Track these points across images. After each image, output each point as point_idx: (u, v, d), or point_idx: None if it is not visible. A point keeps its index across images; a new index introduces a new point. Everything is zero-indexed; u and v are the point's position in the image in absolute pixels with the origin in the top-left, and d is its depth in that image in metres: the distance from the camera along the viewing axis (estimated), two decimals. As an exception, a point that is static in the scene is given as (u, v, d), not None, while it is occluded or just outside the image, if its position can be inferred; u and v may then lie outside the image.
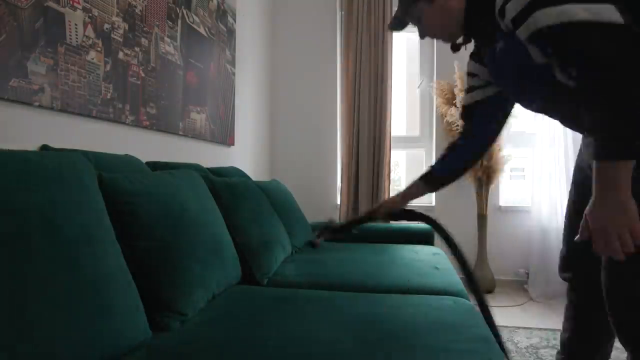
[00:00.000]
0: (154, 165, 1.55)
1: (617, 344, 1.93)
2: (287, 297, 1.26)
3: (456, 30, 1.12)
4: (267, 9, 3.20)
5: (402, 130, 6.56)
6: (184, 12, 1.93)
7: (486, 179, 2.78)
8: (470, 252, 2.93)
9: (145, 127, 1.66)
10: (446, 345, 0.89)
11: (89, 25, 1.32)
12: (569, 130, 2.67)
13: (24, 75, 1.10)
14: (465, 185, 2.88)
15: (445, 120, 2.93)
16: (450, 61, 2.81)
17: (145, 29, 1.63)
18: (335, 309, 1.13)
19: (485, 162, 2.72)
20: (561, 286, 2.55)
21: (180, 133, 1.92)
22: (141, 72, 1.61)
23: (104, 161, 1.19)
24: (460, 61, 2.73)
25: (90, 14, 1.33)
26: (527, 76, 0.99)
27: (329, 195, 3.24)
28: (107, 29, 1.41)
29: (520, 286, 2.94)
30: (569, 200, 1.26)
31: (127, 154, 1.43)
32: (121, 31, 1.48)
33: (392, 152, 3.06)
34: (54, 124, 1.23)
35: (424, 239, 2.29)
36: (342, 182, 3.08)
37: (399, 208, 1.32)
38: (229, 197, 1.59)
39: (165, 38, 1.77)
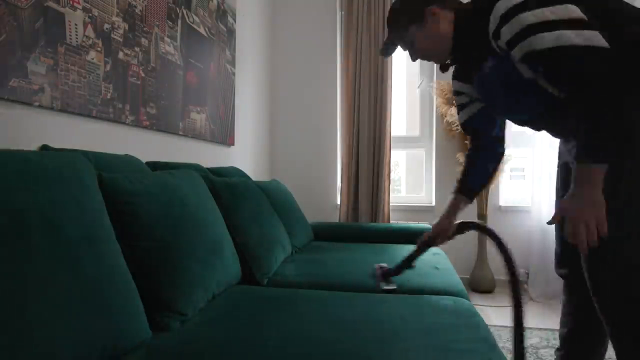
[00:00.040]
0: (154, 165, 1.55)
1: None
2: (287, 297, 1.26)
3: (447, 52, 1.18)
4: (267, 9, 3.20)
5: (402, 130, 6.57)
6: (184, 12, 1.93)
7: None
8: (470, 252, 2.93)
9: (145, 127, 1.66)
10: (446, 345, 0.89)
11: (89, 25, 1.32)
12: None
13: (24, 75, 1.10)
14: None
15: (445, 120, 2.93)
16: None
17: (145, 29, 1.63)
18: (335, 309, 1.13)
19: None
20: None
21: (180, 133, 1.92)
22: (141, 72, 1.61)
23: (104, 161, 1.19)
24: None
25: (90, 14, 1.33)
26: (515, 89, 1.07)
27: (329, 195, 3.24)
28: (107, 29, 1.41)
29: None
30: (556, 201, 1.29)
31: (127, 154, 1.43)
32: (121, 31, 1.48)
33: (392, 152, 3.06)
34: (54, 124, 1.23)
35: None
36: (342, 182, 3.08)
37: (454, 227, 1.35)
38: (229, 197, 1.59)
39: (165, 38, 1.77)
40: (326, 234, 2.43)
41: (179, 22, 1.88)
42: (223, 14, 2.35)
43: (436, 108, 3.02)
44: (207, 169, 1.84)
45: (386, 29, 2.94)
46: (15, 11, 1.06)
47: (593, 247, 0.91)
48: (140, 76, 1.61)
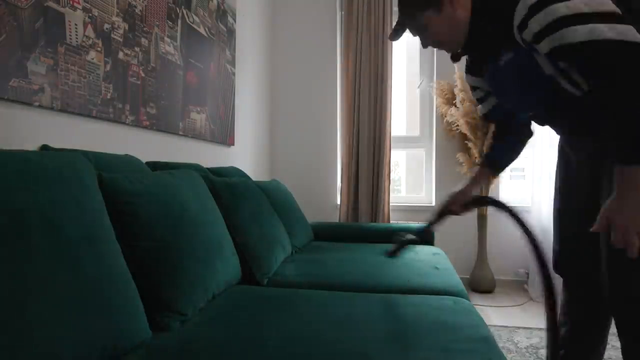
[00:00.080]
0: (154, 165, 1.55)
1: (616, 343, 1.93)
2: (287, 297, 1.26)
3: (461, 40, 1.13)
4: (267, 9, 3.20)
5: (402, 130, 6.57)
6: (184, 12, 1.93)
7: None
8: (470, 252, 2.93)
9: (145, 127, 1.66)
10: (446, 345, 0.89)
11: (89, 25, 1.32)
12: (568, 130, 2.68)
13: (24, 75, 1.10)
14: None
15: (445, 120, 2.93)
16: (450, 61, 2.81)
17: (145, 29, 1.63)
18: (335, 309, 1.13)
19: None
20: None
21: (180, 133, 1.92)
22: (141, 72, 1.61)
23: (104, 161, 1.19)
24: (460, 62, 2.72)
25: (90, 14, 1.33)
26: (532, 86, 1.04)
27: (329, 195, 3.24)
28: (107, 29, 1.41)
29: (520, 286, 2.94)
30: (555, 200, 1.28)
31: (127, 154, 1.43)
32: (121, 31, 1.48)
33: (392, 152, 3.06)
34: (54, 124, 1.23)
35: (425, 240, 2.29)
36: (342, 182, 3.08)
37: (471, 197, 1.33)
38: (229, 197, 1.59)
39: (165, 38, 1.77)
40: (326, 234, 2.43)
41: (179, 22, 1.88)
42: (223, 14, 2.35)
43: (436, 108, 3.02)
44: (207, 169, 1.84)
45: (386, 29, 2.96)
46: (15, 11, 1.06)
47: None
48: (140, 76, 1.61)
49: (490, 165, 1.39)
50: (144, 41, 1.62)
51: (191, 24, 1.99)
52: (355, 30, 3.00)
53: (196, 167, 1.74)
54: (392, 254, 1.36)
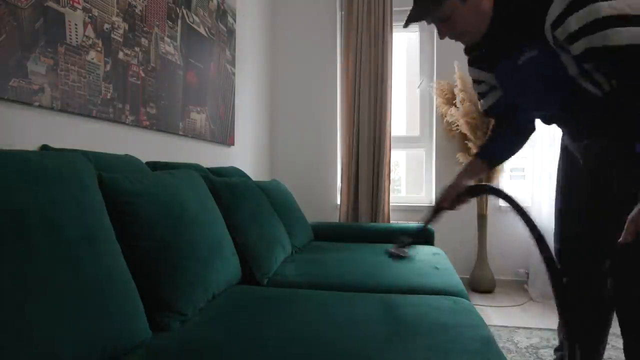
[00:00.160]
0: (154, 165, 1.55)
1: (615, 343, 1.93)
2: (287, 297, 1.26)
3: (483, 31, 1.09)
4: (267, 9, 3.20)
5: (402, 130, 6.56)
6: (184, 12, 1.93)
7: (486, 179, 2.78)
8: (470, 252, 2.93)
9: (145, 127, 1.66)
10: (446, 346, 0.89)
11: (89, 25, 1.32)
12: (569, 130, 2.68)
13: (24, 75, 1.10)
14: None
15: (445, 120, 2.93)
16: (450, 61, 2.81)
17: (145, 29, 1.63)
18: (335, 309, 1.13)
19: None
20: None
21: (180, 133, 1.92)
22: (141, 72, 1.61)
23: (104, 161, 1.19)
24: (461, 61, 2.73)
25: (90, 14, 1.33)
26: (552, 86, 1.02)
27: (329, 195, 3.24)
28: (107, 29, 1.41)
29: (520, 286, 2.94)
30: (556, 200, 1.27)
31: (127, 154, 1.43)
32: (121, 31, 1.48)
33: (392, 152, 3.06)
34: (54, 124, 1.23)
35: (424, 239, 2.29)
36: (342, 182, 3.08)
37: (464, 188, 1.30)
38: (229, 197, 1.59)
39: (165, 38, 1.77)
40: (326, 234, 2.43)
41: (179, 22, 1.88)
42: (223, 14, 2.35)
43: (436, 108, 3.02)
44: (207, 169, 1.84)
45: (386, 29, 2.96)
46: (15, 11, 1.06)
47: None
48: (140, 76, 1.61)
49: (484, 157, 1.35)
50: (144, 41, 1.62)
51: (191, 24, 1.99)
52: (355, 30, 3.00)
53: (196, 167, 1.74)
54: (396, 256, 1.35)
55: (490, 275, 2.85)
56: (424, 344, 0.90)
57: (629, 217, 0.87)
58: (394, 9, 2.97)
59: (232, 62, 2.48)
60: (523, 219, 1.09)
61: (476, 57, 1.24)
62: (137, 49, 1.57)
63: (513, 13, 1.02)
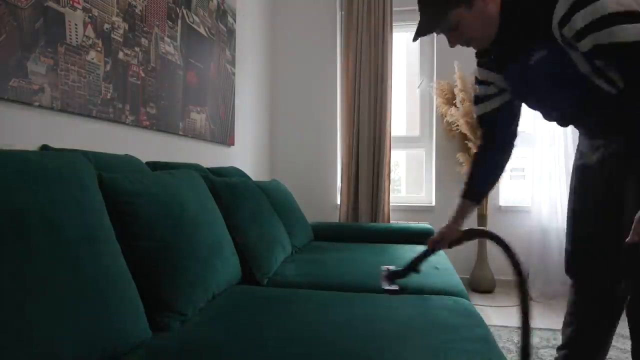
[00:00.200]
0: (154, 165, 1.55)
1: (616, 343, 1.93)
2: (287, 297, 1.26)
3: (492, 35, 1.09)
4: (267, 9, 3.20)
5: (402, 130, 6.57)
6: (184, 12, 1.93)
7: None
8: (470, 252, 2.93)
9: (145, 127, 1.66)
10: (446, 345, 0.89)
11: (89, 25, 1.32)
12: (569, 130, 2.67)
13: (24, 75, 1.10)
14: (465, 185, 2.88)
15: (445, 120, 2.93)
16: (450, 61, 2.81)
17: (145, 29, 1.63)
18: (335, 309, 1.13)
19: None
20: (561, 286, 2.55)
21: (180, 133, 1.92)
22: (141, 72, 1.61)
23: (104, 161, 1.19)
24: (461, 61, 2.73)
25: (90, 14, 1.33)
26: (565, 84, 1.02)
27: (329, 195, 3.24)
28: (107, 29, 1.41)
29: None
30: (569, 200, 1.26)
31: (127, 154, 1.43)
32: (121, 31, 1.48)
33: (392, 152, 3.06)
34: (54, 124, 1.23)
35: (424, 239, 2.29)
36: (342, 182, 3.08)
37: (459, 234, 1.36)
38: (229, 197, 1.59)
39: (165, 38, 1.77)
40: (326, 234, 2.43)
41: (179, 22, 1.88)
42: (223, 14, 2.35)
43: (436, 108, 3.02)
44: (207, 169, 1.84)
45: (386, 29, 2.96)
46: (15, 11, 1.06)
47: None
48: (140, 76, 1.61)
49: (471, 198, 1.37)
50: (144, 41, 1.62)
51: (191, 24, 1.99)
52: (355, 30, 3.00)
53: (196, 167, 1.74)
54: (392, 292, 1.38)
55: (490, 275, 2.85)
56: (424, 344, 0.90)
57: (636, 217, 0.86)
58: (394, 9, 2.97)
59: (232, 62, 2.48)
60: (513, 265, 1.13)
61: (490, 60, 1.24)
62: (137, 49, 1.57)
63: (520, 15, 1.02)
